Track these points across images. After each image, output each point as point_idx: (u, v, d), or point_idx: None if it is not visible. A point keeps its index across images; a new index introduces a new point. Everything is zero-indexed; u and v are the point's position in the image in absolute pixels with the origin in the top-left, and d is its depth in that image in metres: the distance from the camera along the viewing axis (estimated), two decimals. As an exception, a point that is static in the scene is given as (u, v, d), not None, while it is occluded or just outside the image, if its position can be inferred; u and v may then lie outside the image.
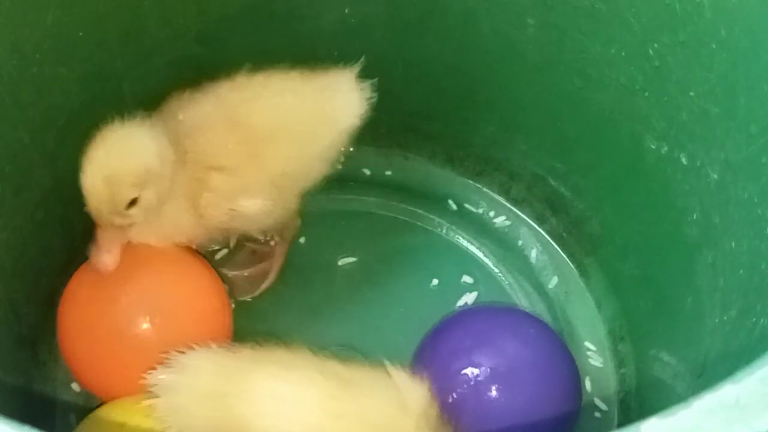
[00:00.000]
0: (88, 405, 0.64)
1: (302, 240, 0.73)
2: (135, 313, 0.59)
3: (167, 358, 0.55)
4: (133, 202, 0.55)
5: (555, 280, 0.73)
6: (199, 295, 0.63)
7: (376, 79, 0.62)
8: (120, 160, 0.55)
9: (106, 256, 0.57)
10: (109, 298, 0.59)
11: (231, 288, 0.70)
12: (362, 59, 0.63)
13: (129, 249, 0.61)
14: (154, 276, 0.62)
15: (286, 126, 0.61)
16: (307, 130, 0.62)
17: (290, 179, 0.62)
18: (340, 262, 0.73)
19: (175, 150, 0.58)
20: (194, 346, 0.56)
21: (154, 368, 0.56)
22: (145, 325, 0.59)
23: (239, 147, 0.59)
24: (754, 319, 0.47)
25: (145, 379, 0.55)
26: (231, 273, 0.71)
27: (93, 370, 0.61)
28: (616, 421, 0.67)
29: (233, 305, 0.69)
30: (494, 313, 0.68)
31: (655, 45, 0.54)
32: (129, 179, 0.54)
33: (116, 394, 0.59)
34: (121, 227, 0.57)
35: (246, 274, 0.71)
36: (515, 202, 0.76)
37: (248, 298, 0.70)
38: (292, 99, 0.61)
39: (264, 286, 0.70)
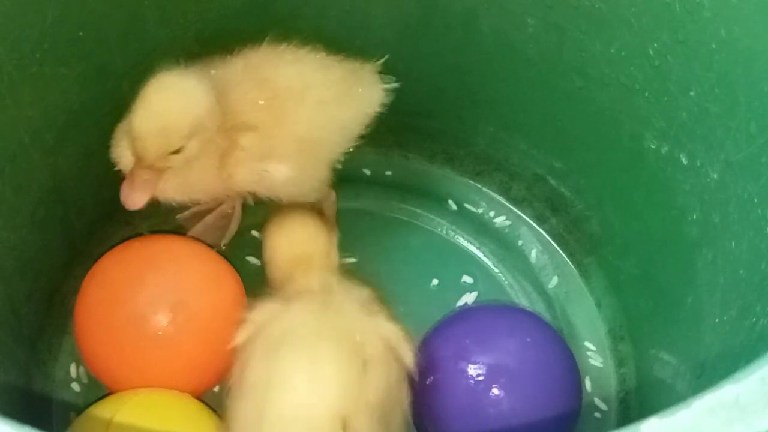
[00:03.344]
0: (88, 405, 0.64)
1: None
2: (155, 304, 0.60)
3: None
4: (177, 150, 0.57)
5: (555, 280, 0.73)
6: (217, 292, 0.63)
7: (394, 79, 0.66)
8: (176, 110, 0.56)
9: (138, 195, 0.58)
10: (131, 288, 0.61)
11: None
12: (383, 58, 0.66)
13: (153, 242, 0.63)
14: (175, 274, 0.63)
15: (311, 90, 0.63)
16: (331, 98, 0.63)
17: (315, 144, 0.63)
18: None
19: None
20: None
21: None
22: (164, 318, 0.59)
23: (265, 104, 0.61)
24: (754, 319, 0.47)
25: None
26: (191, 232, 0.71)
27: (105, 357, 0.61)
28: (616, 421, 0.67)
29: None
30: (495, 312, 0.68)
31: (655, 44, 0.54)
32: (182, 130, 0.56)
33: (124, 385, 0.60)
34: (158, 170, 0.58)
35: (203, 223, 0.71)
36: (515, 202, 0.76)
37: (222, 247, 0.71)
38: (318, 68, 0.64)
39: (232, 230, 0.71)
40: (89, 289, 0.63)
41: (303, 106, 0.62)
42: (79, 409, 0.64)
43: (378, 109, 0.66)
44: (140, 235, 0.70)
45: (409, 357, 0.56)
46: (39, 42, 0.56)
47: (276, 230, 0.62)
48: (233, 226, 0.72)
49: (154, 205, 0.70)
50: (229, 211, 0.71)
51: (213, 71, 0.62)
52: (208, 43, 0.66)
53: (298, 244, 0.61)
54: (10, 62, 0.54)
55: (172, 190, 0.62)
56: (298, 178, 0.63)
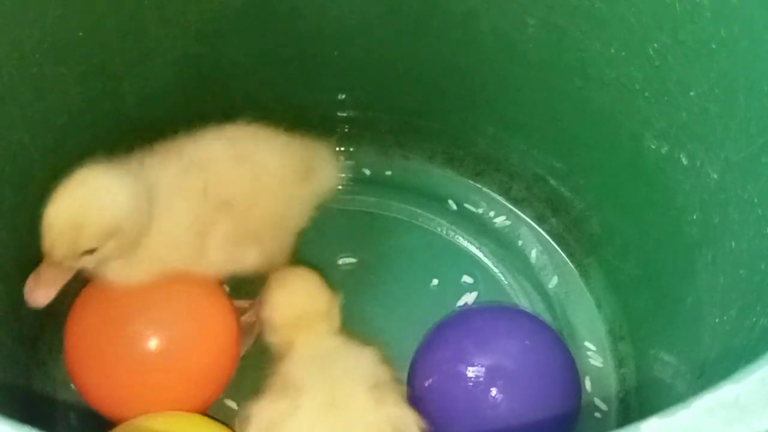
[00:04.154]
0: (88, 405, 0.64)
1: (302, 240, 0.73)
2: (144, 334, 0.59)
3: None
4: (90, 251, 0.54)
5: (555, 280, 0.73)
6: (209, 317, 0.62)
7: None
8: (92, 210, 0.53)
9: (42, 292, 0.54)
10: (119, 319, 0.59)
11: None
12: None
13: None
14: (165, 297, 0.61)
15: (287, 168, 0.63)
16: (297, 179, 0.63)
17: (282, 224, 0.64)
18: (340, 262, 0.73)
19: (189, 183, 0.58)
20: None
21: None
22: (155, 347, 0.58)
23: (250, 184, 0.60)
24: (754, 319, 0.47)
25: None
26: None
27: (101, 390, 0.60)
28: (616, 421, 0.67)
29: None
30: (494, 313, 0.68)
31: (655, 45, 0.54)
32: (96, 231, 0.53)
33: (124, 416, 0.59)
34: (68, 268, 0.55)
35: None
36: (515, 202, 0.76)
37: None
38: (285, 148, 0.63)
39: (249, 341, 0.68)
40: (77, 319, 0.61)
41: (278, 187, 0.62)
42: (80, 409, 0.64)
43: (336, 185, 0.67)
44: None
45: None
46: (39, 42, 0.56)
47: (277, 289, 0.61)
48: (250, 338, 0.69)
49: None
50: (251, 320, 0.68)
51: (192, 144, 0.60)
52: (208, 42, 0.67)
53: (299, 303, 0.60)
54: (10, 62, 0.54)
55: (140, 273, 0.59)
56: (266, 257, 0.63)
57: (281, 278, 0.62)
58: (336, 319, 0.61)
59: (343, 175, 0.68)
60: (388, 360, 0.59)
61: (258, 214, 0.61)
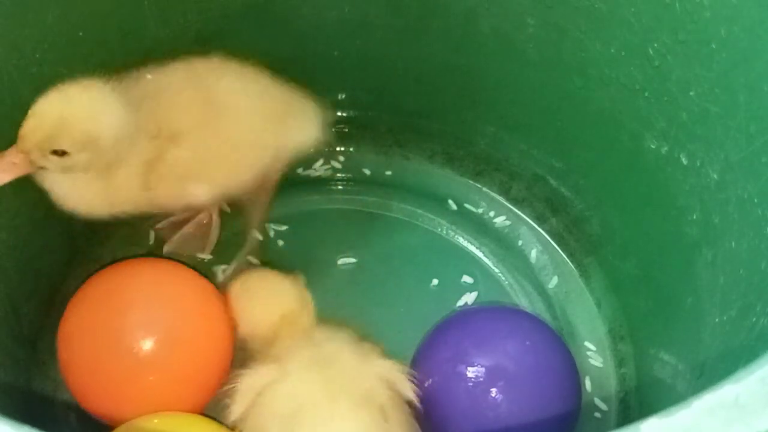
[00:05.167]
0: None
1: (302, 240, 0.73)
2: (138, 333, 0.58)
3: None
4: (61, 153, 0.53)
5: (555, 280, 0.73)
6: (203, 316, 0.62)
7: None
8: (82, 114, 0.53)
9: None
10: (113, 318, 0.59)
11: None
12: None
13: (132, 268, 0.61)
14: (159, 296, 0.61)
15: (248, 111, 0.61)
16: (265, 123, 0.62)
17: (238, 164, 0.62)
18: (340, 262, 0.73)
19: (138, 114, 0.57)
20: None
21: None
22: (149, 347, 0.58)
23: (201, 117, 0.59)
24: (754, 319, 0.47)
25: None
26: (168, 244, 0.70)
27: (96, 393, 0.60)
28: (616, 421, 0.67)
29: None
30: (494, 313, 0.68)
31: (655, 44, 0.54)
32: (75, 134, 0.53)
33: (120, 418, 0.59)
34: (31, 162, 0.54)
35: (181, 234, 0.70)
36: (515, 202, 0.76)
37: (203, 256, 0.70)
38: (261, 89, 0.62)
39: (213, 239, 0.70)
40: (71, 319, 0.61)
41: (237, 125, 0.61)
42: (80, 409, 0.64)
43: (314, 144, 0.65)
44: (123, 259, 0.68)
45: (408, 390, 0.56)
46: (39, 42, 0.56)
47: (247, 305, 0.61)
48: (213, 236, 0.70)
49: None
50: (205, 221, 0.69)
51: (149, 76, 0.59)
52: (208, 42, 0.67)
53: (273, 312, 0.60)
54: (10, 62, 0.54)
55: (93, 199, 0.58)
56: (219, 196, 0.63)
57: (244, 288, 0.62)
58: (311, 311, 0.61)
59: (321, 137, 0.66)
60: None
61: (210, 152, 0.60)
